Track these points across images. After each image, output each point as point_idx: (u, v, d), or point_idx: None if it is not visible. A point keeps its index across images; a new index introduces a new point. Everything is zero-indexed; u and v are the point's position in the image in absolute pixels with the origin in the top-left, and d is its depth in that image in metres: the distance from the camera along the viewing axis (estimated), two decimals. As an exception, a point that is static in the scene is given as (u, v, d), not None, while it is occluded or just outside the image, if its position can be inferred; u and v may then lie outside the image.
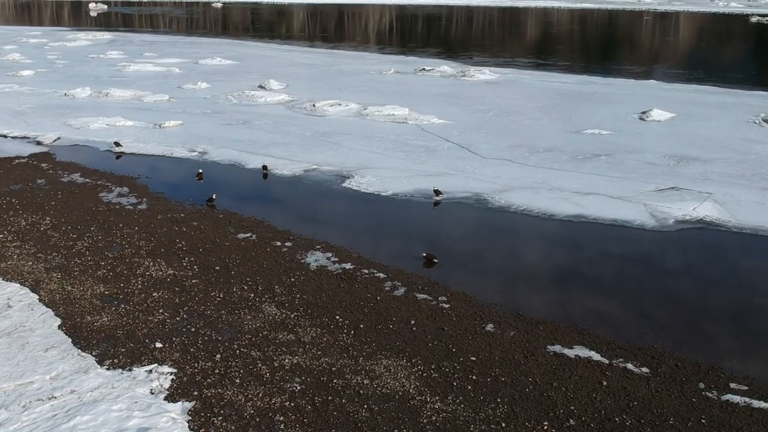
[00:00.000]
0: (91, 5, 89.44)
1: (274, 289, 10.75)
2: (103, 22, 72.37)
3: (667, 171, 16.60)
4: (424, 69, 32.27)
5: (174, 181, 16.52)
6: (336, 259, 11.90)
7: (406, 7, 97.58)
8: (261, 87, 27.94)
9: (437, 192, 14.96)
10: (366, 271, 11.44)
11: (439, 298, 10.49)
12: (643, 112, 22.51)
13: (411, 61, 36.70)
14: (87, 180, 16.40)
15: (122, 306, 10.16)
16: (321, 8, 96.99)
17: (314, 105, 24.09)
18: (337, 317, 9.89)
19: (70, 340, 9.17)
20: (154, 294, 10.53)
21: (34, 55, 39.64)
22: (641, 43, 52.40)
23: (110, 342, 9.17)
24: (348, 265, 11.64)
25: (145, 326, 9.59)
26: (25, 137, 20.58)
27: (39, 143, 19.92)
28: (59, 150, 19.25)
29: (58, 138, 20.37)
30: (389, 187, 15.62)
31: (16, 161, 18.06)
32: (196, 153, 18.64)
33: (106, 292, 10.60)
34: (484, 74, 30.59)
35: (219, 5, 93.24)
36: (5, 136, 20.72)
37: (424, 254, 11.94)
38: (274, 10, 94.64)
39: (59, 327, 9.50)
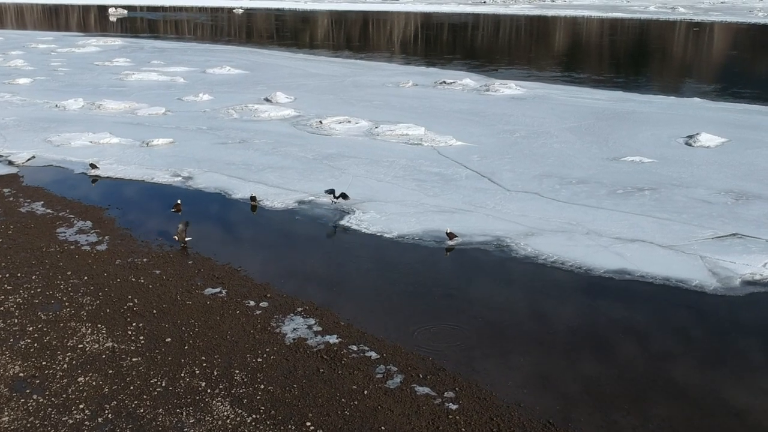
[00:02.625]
0: (111, 10, 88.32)
1: (233, 374, 8.39)
2: (122, 28, 71.01)
3: (724, 211, 13.99)
4: (444, 82, 29.87)
5: (146, 214, 14.31)
6: (319, 329, 9.53)
7: (431, 15, 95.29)
8: (267, 100, 25.74)
9: (450, 235, 12.53)
10: (354, 347, 9.05)
11: (445, 394, 8.06)
12: (690, 136, 19.86)
13: (432, 73, 34.30)
14: (48, 211, 14.23)
15: (34, 397, 7.88)
16: (345, 15, 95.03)
17: (321, 122, 21.79)
18: (308, 424, 7.50)
19: (-54, 456, 6.90)
20: (80, 379, 8.23)
21: (37, 62, 37.92)
22: (680, 56, 49.46)
23: (-1, 459, 6.88)
24: (333, 338, 9.26)
25: (53, 432, 7.29)
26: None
27: (10, 163, 17.89)
28: (29, 172, 17.16)
29: (32, 157, 18.30)
30: (394, 227, 13.22)
31: (-23, 185, 15.97)
32: (179, 178, 16.42)
33: (21, 374, 8.33)
34: (510, 89, 28.09)
35: (240, 11, 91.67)
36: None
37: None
38: (298, 17, 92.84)
39: (-61, 433, 7.23)
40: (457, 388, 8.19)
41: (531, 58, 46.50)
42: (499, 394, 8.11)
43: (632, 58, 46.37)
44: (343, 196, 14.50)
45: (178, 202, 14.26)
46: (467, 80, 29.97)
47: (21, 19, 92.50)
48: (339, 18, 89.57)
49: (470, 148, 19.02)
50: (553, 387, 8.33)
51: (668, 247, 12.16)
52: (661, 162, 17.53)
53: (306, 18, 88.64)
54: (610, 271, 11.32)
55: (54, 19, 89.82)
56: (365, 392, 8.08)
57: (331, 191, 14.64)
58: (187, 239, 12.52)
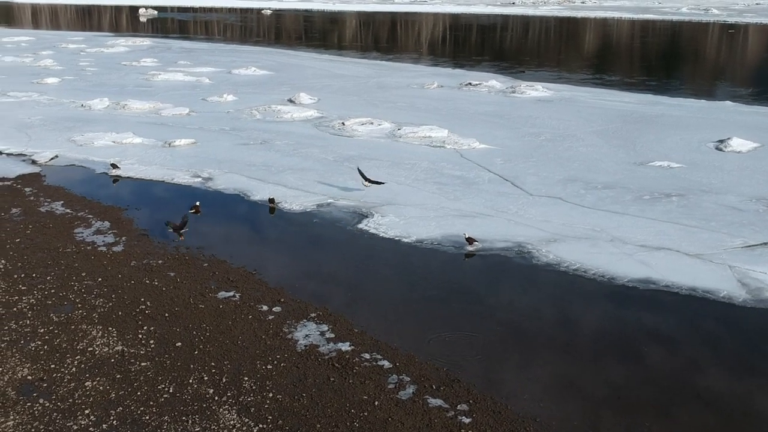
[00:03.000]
0: (141, 11, 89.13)
1: (242, 382, 8.21)
2: (152, 28, 71.63)
3: (755, 219, 13.52)
4: (470, 83, 29.52)
5: (165, 215, 14.18)
6: (332, 336, 9.31)
7: (460, 16, 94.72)
8: (290, 101, 25.64)
9: (470, 240, 12.25)
10: (367, 355, 8.82)
11: (458, 407, 7.79)
12: (720, 141, 19.31)
13: (458, 75, 33.96)
14: (67, 211, 14.22)
15: (41, 401, 7.77)
16: (373, 16, 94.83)
17: (343, 123, 21.62)
18: (316, 435, 7.30)
19: (-53, 461, 6.81)
20: (87, 384, 8.12)
21: (66, 62, 38.30)
22: (713, 58, 48.48)
23: (1, 465, 6.78)
24: (345, 346, 9.04)
25: (57, 438, 7.17)
26: (21, 155, 18.66)
27: (33, 162, 17.96)
28: (51, 171, 17.21)
29: (56, 157, 18.37)
30: (413, 232, 12.97)
31: (0, 184, 16.04)
32: (200, 179, 16.34)
33: (30, 377, 8.24)
34: (537, 91, 27.66)
35: (268, 12, 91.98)
36: (0, 153, 18.81)
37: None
38: (326, 17, 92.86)
39: (-57, 437, 7.15)
40: (471, 401, 7.92)
41: (559, 60, 45.90)
42: (515, 407, 7.82)
43: (663, 61, 45.53)
44: (377, 182, 14.99)
45: (197, 204, 14.17)
46: (493, 82, 29.59)
47: (55, 19, 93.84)
48: (367, 19, 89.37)
49: (494, 151, 18.70)
50: (572, 400, 8.02)
51: (695, 256, 11.75)
52: (689, 167, 17.05)
53: (334, 19, 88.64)
54: (634, 280, 10.95)
55: (87, 20, 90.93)
56: (376, 403, 7.85)
57: (363, 175, 15.02)
58: (182, 231, 12.61)
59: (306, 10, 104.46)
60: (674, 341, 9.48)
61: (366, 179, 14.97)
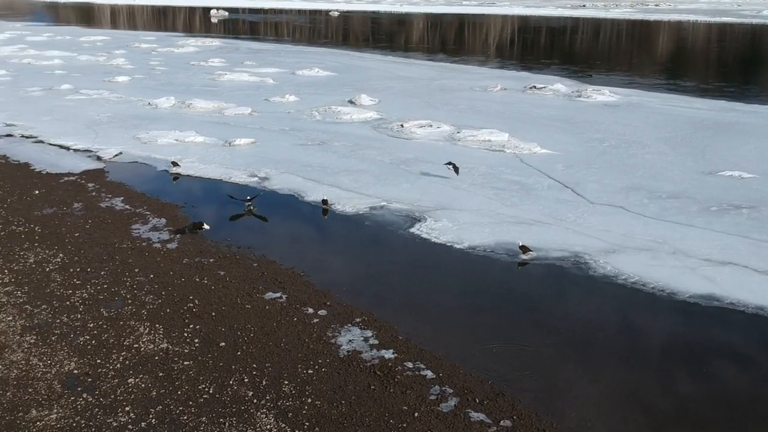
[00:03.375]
0: (212, 12, 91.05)
1: (282, 385, 8.12)
2: (223, 29, 73.10)
3: (833, 235, 12.69)
4: (535, 87, 28.93)
5: (219, 214, 14.33)
6: (375, 342, 9.14)
7: (529, 19, 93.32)
8: (351, 102, 25.63)
9: (524, 249, 11.88)
10: (410, 364, 8.61)
11: (501, 423, 7.51)
12: (799, 150, 18.29)
13: (522, 77, 33.34)
14: (126, 207, 14.50)
15: (84, 396, 7.86)
16: (441, 18, 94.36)
17: (402, 125, 21.45)
18: (352, 445, 7.13)
19: (-11, 452, 6.92)
20: (130, 381, 8.17)
21: (138, 61, 39.37)
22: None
23: (41, 459, 6.85)
24: (388, 353, 8.86)
25: (97, 434, 7.22)
26: (87, 150, 19.18)
27: (98, 158, 18.43)
28: (114, 168, 17.61)
29: (120, 153, 18.81)
30: (466, 237, 12.69)
31: (65, 179, 16.51)
32: (256, 179, 16.43)
33: (75, 371, 8.35)
34: (603, 95, 26.87)
35: (336, 14, 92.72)
36: (68, 149, 19.42)
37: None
38: (394, 19, 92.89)
39: (-11, 426, 7.29)
40: (515, 417, 7.61)
41: (631, 64, 44.64)
42: (561, 425, 7.49)
43: (742, 66, 43.71)
44: (455, 169, 15.88)
45: (250, 206, 14.23)
46: (558, 85, 28.91)
47: (132, 19, 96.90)
48: (434, 20, 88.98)
49: (555, 157, 18.19)
50: (623, 421, 7.62)
51: (765, 273, 11.09)
52: (762, 178, 16.18)
53: (402, 21, 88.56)
54: (696, 296, 10.40)
55: (162, 20, 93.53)
56: (415, 414, 7.63)
57: (450, 163, 15.99)
58: (205, 227, 12.89)
59: (373, 12, 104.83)
60: (736, 361, 8.93)
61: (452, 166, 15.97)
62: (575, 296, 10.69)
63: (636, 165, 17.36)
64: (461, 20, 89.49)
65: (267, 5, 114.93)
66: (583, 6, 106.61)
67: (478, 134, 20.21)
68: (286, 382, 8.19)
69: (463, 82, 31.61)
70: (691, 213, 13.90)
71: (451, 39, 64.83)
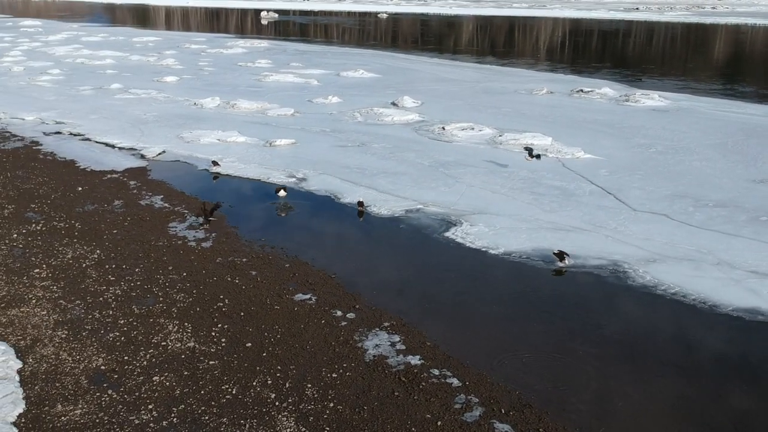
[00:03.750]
0: (263, 14, 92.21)
1: (305, 388, 8.05)
2: (273, 31, 73.89)
3: None
4: (582, 90, 28.38)
5: (256, 213, 14.40)
6: (403, 347, 9.00)
7: (581, 21, 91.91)
8: (393, 104, 25.54)
9: (561, 255, 11.59)
10: (436, 371, 8.44)
11: (526, 435, 7.28)
12: None
13: (570, 81, 32.78)
14: (165, 205, 14.66)
15: (109, 392, 7.91)
16: (491, 20, 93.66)
17: (443, 128, 21.26)
18: (371, 452, 7.00)
19: (13, 445, 7.01)
20: (155, 378, 8.20)
21: (187, 61, 40.03)
22: None
23: (62, 454, 6.91)
24: (415, 359, 8.70)
25: (118, 430, 7.24)
26: (131, 149, 19.51)
27: (142, 156, 18.73)
28: (157, 166, 17.86)
29: (163, 152, 19.07)
30: (502, 243, 12.45)
31: (108, 176, 16.81)
32: (294, 179, 16.45)
33: (103, 367, 8.42)
34: (652, 99, 26.20)
35: (384, 16, 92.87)
36: (113, 147, 19.79)
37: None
38: (444, 21, 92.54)
39: (14, 420, 7.38)
40: (541, 429, 7.38)
41: (685, 68, 43.54)
42: (589, 441, 7.22)
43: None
44: (537, 156, 16.66)
45: (285, 202, 14.33)
46: (606, 89, 28.31)
47: (186, 21, 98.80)
48: (484, 23, 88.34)
49: (599, 162, 17.77)
50: (653, 440, 7.32)
51: (815, 287, 10.57)
52: (818, 187, 15.51)
53: (451, 23, 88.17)
54: (739, 309, 9.97)
55: (214, 22, 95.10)
56: (438, 423, 7.47)
57: (529, 149, 16.86)
58: (211, 219, 13.16)
59: (423, 14, 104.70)
60: (781, 381, 8.51)
61: (530, 154, 16.77)
62: (611, 306, 10.36)
63: (682, 172, 16.83)
64: (511, 23, 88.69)
65: (317, 8, 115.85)
66: (636, 9, 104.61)
67: (521, 138, 19.88)
68: (309, 386, 8.11)
69: (508, 85, 31.23)
70: (738, 222, 13.39)
71: (501, 42, 64.22)
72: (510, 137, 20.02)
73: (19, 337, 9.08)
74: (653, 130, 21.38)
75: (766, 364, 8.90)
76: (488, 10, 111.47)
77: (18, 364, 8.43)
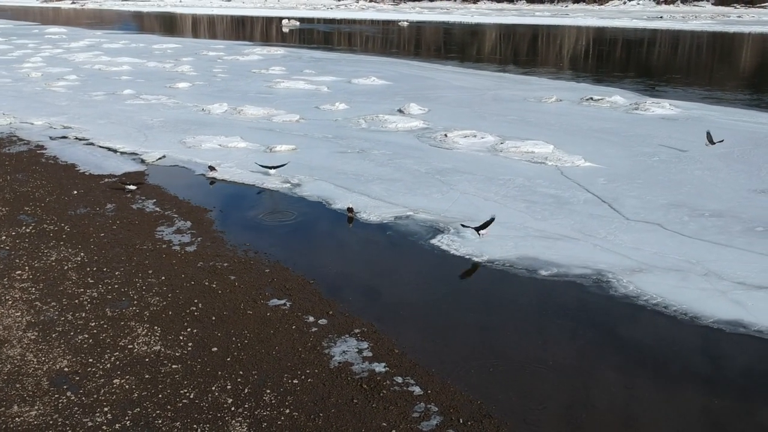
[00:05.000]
0: (284, 21, 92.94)
1: (263, 394, 7.97)
2: (294, 38, 74.33)
3: None
4: (591, 98, 28.09)
5: (245, 219, 14.39)
6: (369, 354, 8.89)
7: (604, 30, 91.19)
8: (399, 111, 25.49)
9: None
10: (399, 379, 8.32)
11: (481, 446, 7.13)
12: None
13: (581, 89, 32.49)
14: (156, 209, 14.73)
15: (68, 394, 7.91)
16: (513, 29, 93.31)
17: (446, 135, 21.15)
18: (320, 460, 6.90)
19: (-37, 444, 7.02)
20: (115, 381, 8.18)
21: (202, 68, 40.38)
22: None
23: (10, 455, 6.90)
24: (380, 366, 8.59)
25: (70, 433, 7.23)
26: (133, 153, 19.67)
27: (142, 161, 18.86)
28: (155, 170, 17.97)
29: (163, 157, 19.19)
30: (487, 251, 12.29)
31: (105, 180, 16.95)
32: (288, 185, 16.45)
33: (66, 369, 8.43)
34: (662, 108, 25.83)
35: (405, 24, 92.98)
36: (115, 151, 19.96)
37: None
38: (466, 30, 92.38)
39: (-32, 420, 7.40)
40: (497, 441, 7.22)
41: (705, 77, 42.91)
42: (544, 453, 7.04)
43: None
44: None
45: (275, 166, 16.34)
46: (617, 97, 27.98)
47: (212, 28, 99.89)
48: (507, 32, 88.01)
49: (598, 170, 17.53)
50: (611, 454, 7.13)
51: (803, 300, 10.27)
52: (821, 198, 15.12)
53: (474, 31, 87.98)
54: (721, 322, 9.71)
55: (239, 29, 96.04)
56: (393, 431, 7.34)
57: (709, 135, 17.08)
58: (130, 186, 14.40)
59: (444, 23, 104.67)
60: (751, 398, 8.25)
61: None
62: (589, 317, 10.16)
63: (682, 181, 16.53)
64: (534, 31, 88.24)
65: (339, 16, 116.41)
66: (660, 17, 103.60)
67: (522, 146, 19.70)
68: (269, 392, 8.03)
69: (518, 92, 31.02)
70: (732, 233, 13.09)
71: (523, 50, 63.83)
72: (511, 145, 19.84)
73: (-11, 338, 9.12)
74: (659, 139, 21.06)
75: (739, 377, 8.64)
76: (510, 18, 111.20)
77: (-18, 365, 8.46)
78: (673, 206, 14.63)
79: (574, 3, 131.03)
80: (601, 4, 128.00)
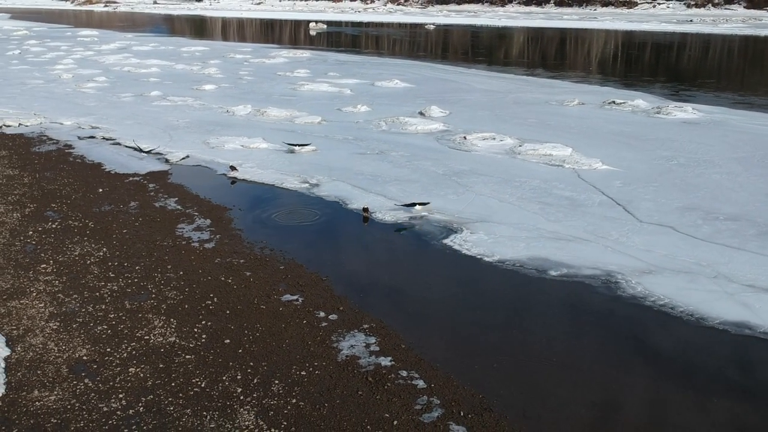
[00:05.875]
0: (311, 25, 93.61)
1: (272, 384, 8.26)
2: (321, 41, 74.92)
3: None
4: (614, 102, 28.06)
5: (263, 217, 14.71)
6: (377, 349, 9.14)
7: (633, 34, 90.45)
8: (420, 113, 25.71)
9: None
10: (404, 372, 8.55)
11: (479, 437, 7.33)
12: None
13: (604, 92, 32.43)
14: (178, 207, 15.13)
15: (85, 381, 8.27)
16: (541, 32, 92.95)
17: (465, 137, 21.33)
18: (323, 448, 7.16)
19: (-15, 425, 7.39)
20: (131, 369, 8.53)
21: (229, 70, 40.97)
22: None
23: (29, 436, 7.26)
24: (386, 361, 8.83)
25: (86, 417, 7.58)
26: (158, 153, 20.12)
27: (166, 161, 19.31)
28: (178, 170, 18.41)
29: (186, 157, 19.62)
30: (498, 251, 12.47)
31: (130, 179, 17.41)
32: (307, 185, 16.77)
33: (85, 358, 8.80)
34: (684, 112, 25.72)
35: (431, 27, 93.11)
36: (141, 151, 20.43)
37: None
38: (493, 33, 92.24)
39: (-8, 403, 7.79)
40: (497, 431, 7.42)
41: (735, 81, 42.48)
42: (541, 446, 7.23)
43: None
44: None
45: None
46: (639, 101, 27.91)
47: (241, 31, 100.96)
48: (535, 35, 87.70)
49: (615, 173, 17.58)
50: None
51: (812, 302, 10.31)
52: (839, 203, 15.04)
53: (501, 35, 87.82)
54: (726, 323, 9.79)
55: (268, 32, 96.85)
56: (395, 422, 7.58)
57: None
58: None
59: (471, 26, 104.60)
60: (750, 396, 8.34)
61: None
62: (595, 316, 10.30)
63: (699, 185, 16.53)
64: (562, 34, 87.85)
65: (366, 19, 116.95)
66: (690, 21, 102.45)
67: (540, 148, 19.81)
68: (277, 382, 8.31)
69: (540, 95, 31.07)
70: (746, 236, 13.10)
71: (551, 53, 63.66)
72: (529, 147, 19.96)
73: (13, 327, 9.53)
74: (679, 143, 21.02)
75: (736, 377, 8.72)
76: (538, 21, 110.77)
77: (6, 352, 8.86)
78: (687, 209, 14.66)
79: (602, 6, 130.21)
80: (630, 8, 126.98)
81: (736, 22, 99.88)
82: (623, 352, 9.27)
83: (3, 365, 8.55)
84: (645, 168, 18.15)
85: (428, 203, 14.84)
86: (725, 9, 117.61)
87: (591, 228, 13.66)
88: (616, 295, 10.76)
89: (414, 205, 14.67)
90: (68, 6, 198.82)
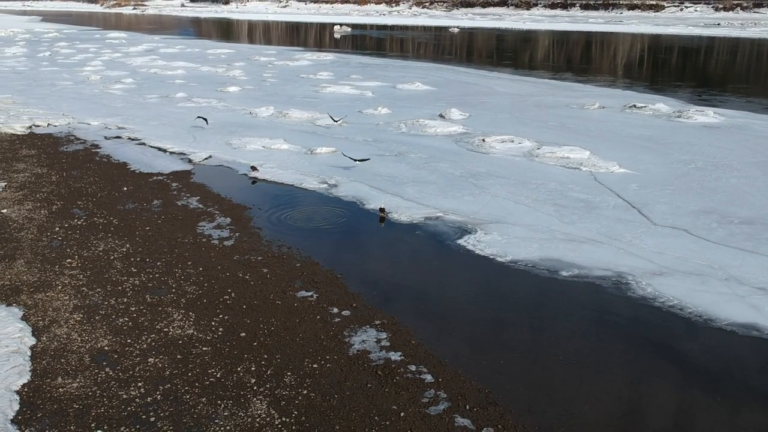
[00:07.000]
0: (336, 27, 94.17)
1: (285, 376, 8.55)
2: (345, 44, 75.33)
3: None
4: (635, 106, 28.03)
5: (281, 216, 15.03)
6: (387, 344, 9.39)
7: (660, 37, 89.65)
8: (440, 116, 25.93)
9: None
10: (413, 367, 8.80)
11: (483, 430, 7.55)
12: None
13: (625, 96, 32.38)
14: (199, 206, 15.51)
15: (107, 370, 8.63)
16: (567, 35, 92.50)
17: (484, 140, 21.50)
18: (331, 437, 7.43)
19: (11, 409, 7.75)
20: (150, 360, 8.88)
21: (253, 73, 41.52)
22: None
23: (52, 420, 7.61)
24: (396, 355, 9.08)
25: (107, 403, 7.93)
26: (181, 153, 20.58)
27: (189, 161, 19.74)
28: (201, 170, 18.82)
29: (209, 157, 20.05)
30: (511, 252, 12.66)
31: (154, 178, 17.85)
32: (325, 185, 17.07)
33: (106, 348, 9.17)
34: (706, 116, 25.63)
35: (456, 30, 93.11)
36: (165, 151, 20.91)
37: None
38: (518, 36, 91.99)
39: (18, 389, 8.17)
40: (500, 426, 7.63)
41: (764, 85, 42.06)
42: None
43: None
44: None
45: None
46: (660, 105, 27.86)
47: (267, 34, 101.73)
48: (560, 38, 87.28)
49: (632, 177, 17.65)
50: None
51: (822, 305, 10.36)
52: None
53: (526, 38, 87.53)
54: (734, 324, 9.89)
55: (294, 35, 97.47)
56: (401, 414, 7.82)
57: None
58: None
59: (496, 29, 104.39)
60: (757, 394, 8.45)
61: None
62: (605, 316, 10.45)
63: (716, 188, 16.55)
64: (588, 38, 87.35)
65: (390, 22, 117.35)
66: (718, 24, 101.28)
67: (558, 151, 19.93)
68: (289, 374, 8.60)
69: (561, 99, 31.11)
70: (760, 240, 13.15)
71: (576, 57, 63.40)
72: (547, 150, 20.08)
73: (39, 318, 9.94)
74: (698, 147, 21.00)
75: (740, 377, 8.83)
76: (563, 25, 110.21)
77: (32, 341, 9.26)
78: (702, 213, 14.71)
79: (628, 10, 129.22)
80: (657, 11, 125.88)
81: (765, 26, 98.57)
82: (629, 351, 9.42)
83: (29, 354, 8.93)
84: (662, 171, 18.20)
85: (368, 159, 18.66)
86: (754, 12, 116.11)
87: (604, 230, 13.78)
88: (626, 296, 10.90)
89: (356, 161, 18.19)
90: (98, 8, 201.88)
